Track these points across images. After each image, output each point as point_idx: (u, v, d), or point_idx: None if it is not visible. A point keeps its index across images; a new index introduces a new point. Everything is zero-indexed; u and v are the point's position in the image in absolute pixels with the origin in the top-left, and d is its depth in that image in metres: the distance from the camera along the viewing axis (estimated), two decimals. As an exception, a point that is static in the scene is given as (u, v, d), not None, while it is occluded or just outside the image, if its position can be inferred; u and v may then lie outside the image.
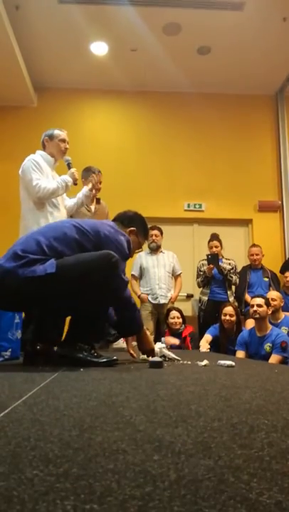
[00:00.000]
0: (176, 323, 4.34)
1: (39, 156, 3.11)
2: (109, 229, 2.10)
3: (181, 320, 4.38)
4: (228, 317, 4.19)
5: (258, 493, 0.44)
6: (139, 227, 2.34)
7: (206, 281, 4.92)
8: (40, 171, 3.00)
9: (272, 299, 4.08)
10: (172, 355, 2.39)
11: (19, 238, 2.09)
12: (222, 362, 2.13)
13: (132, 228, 2.31)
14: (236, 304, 4.64)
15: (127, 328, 2.28)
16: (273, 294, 4.30)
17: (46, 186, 2.94)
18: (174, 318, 4.35)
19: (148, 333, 2.35)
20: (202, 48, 5.42)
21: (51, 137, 3.18)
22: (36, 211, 2.98)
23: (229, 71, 5.83)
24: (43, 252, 1.91)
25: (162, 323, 4.72)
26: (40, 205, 3.00)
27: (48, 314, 2.19)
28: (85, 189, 3.42)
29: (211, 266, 4.77)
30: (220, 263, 4.87)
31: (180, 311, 4.43)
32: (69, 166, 3.20)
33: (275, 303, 4.12)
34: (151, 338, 2.46)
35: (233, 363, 2.10)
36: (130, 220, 2.34)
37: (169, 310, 4.45)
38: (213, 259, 4.79)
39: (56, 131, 3.21)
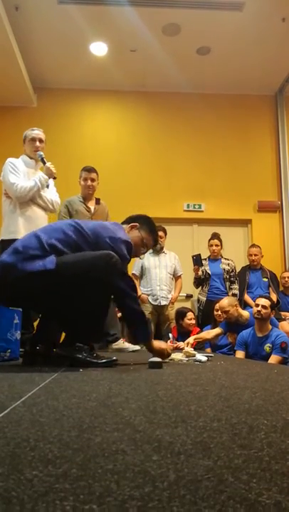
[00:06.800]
0: (192, 324, 4.43)
1: (19, 159, 3.21)
2: (110, 234, 2.06)
3: (194, 321, 4.48)
4: (219, 312, 4.27)
5: (258, 493, 0.44)
6: (142, 223, 2.30)
7: (197, 282, 4.95)
8: (17, 172, 3.09)
9: (263, 306, 3.77)
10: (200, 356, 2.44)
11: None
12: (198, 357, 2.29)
13: (134, 224, 2.29)
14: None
15: (140, 335, 2.18)
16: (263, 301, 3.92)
17: (23, 185, 3.03)
18: (190, 319, 4.43)
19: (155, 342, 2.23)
20: (202, 48, 5.43)
21: (24, 140, 3.29)
22: (14, 213, 3.08)
23: (229, 71, 5.83)
24: (43, 249, 1.92)
25: (162, 324, 4.72)
26: (20, 206, 3.08)
27: (48, 315, 2.18)
28: (43, 176, 3.21)
29: (196, 267, 4.82)
30: (219, 263, 4.90)
31: (193, 312, 4.52)
32: (43, 161, 3.20)
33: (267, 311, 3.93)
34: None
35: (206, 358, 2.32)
36: (134, 218, 2.34)
37: (185, 311, 4.49)
38: (197, 260, 4.82)
39: (26, 133, 3.29)
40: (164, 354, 2.15)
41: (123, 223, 2.33)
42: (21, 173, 3.12)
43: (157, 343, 2.20)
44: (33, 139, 3.23)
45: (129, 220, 2.33)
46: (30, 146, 3.23)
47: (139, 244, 2.27)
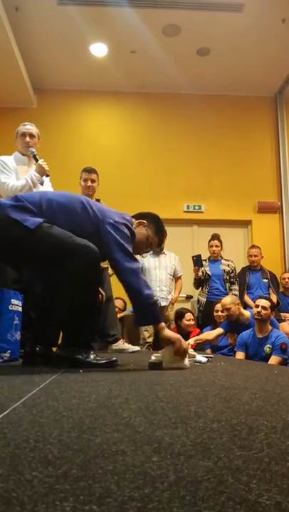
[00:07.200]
0: (190, 325, 4.41)
1: (11, 157, 3.14)
2: (116, 218, 2.04)
3: (194, 322, 4.47)
4: (219, 313, 4.31)
5: (258, 494, 0.44)
6: (150, 222, 2.24)
7: (197, 283, 4.95)
8: (8, 170, 3.04)
9: (263, 307, 3.78)
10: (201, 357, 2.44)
11: None
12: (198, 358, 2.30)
13: (142, 221, 2.22)
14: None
15: (139, 317, 2.02)
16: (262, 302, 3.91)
17: (14, 184, 2.98)
18: (189, 320, 4.42)
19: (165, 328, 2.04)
20: (201, 49, 5.43)
21: (16, 136, 3.22)
22: None
23: (228, 72, 5.84)
24: (39, 208, 1.94)
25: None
26: None
27: (44, 312, 2.16)
28: (35, 175, 3.15)
29: (196, 268, 4.82)
30: (219, 264, 4.90)
31: (192, 313, 4.50)
32: (35, 158, 3.13)
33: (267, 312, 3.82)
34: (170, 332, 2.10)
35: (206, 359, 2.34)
36: (143, 215, 2.28)
37: (184, 312, 4.48)
38: (198, 260, 4.82)
39: (19, 128, 3.21)
40: (176, 347, 1.92)
41: (132, 217, 2.26)
42: (12, 171, 3.06)
43: (170, 333, 2.02)
44: (24, 134, 3.15)
45: (138, 216, 2.27)
46: (21, 142, 3.15)
47: (143, 241, 2.21)
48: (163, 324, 2.00)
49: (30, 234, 1.83)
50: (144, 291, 1.95)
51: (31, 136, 3.17)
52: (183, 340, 1.97)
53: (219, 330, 4.08)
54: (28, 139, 3.15)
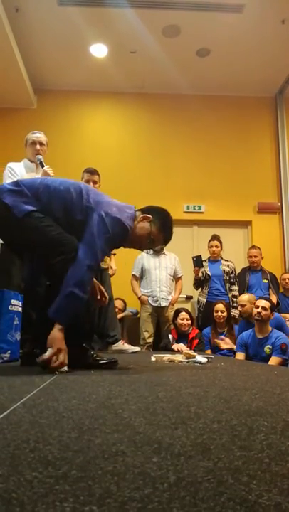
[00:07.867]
0: (184, 324, 4.34)
1: (20, 163, 3.26)
2: (109, 211, 1.95)
3: (190, 322, 4.40)
4: (219, 313, 4.34)
5: (258, 494, 0.44)
6: (155, 218, 2.12)
7: (197, 283, 4.95)
8: (14, 176, 3.11)
9: (263, 308, 3.74)
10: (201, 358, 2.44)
11: None
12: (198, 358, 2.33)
13: (147, 215, 2.11)
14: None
15: (58, 308, 1.79)
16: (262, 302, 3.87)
17: None
18: (183, 319, 4.35)
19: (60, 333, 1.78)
20: (201, 50, 5.43)
21: (25, 144, 3.33)
22: None
23: (228, 73, 5.84)
24: (35, 194, 1.94)
25: (162, 325, 4.72)
26: None
27: (44, 313, 2.15)
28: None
29: (196, 268, 4.82)
30: (219, 265, 4.90)
31: (189, 313, 4.45)
32: (42, 165, 3.22)
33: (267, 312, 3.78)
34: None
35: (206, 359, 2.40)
36: (150, 209, 2.16)
37: (179, 311, 4.44)
38: (198, 261, 4.82)
39: (27, 136, 3.33)
40: (50, 354, 1.71)
41: (140, 210, 2.17)
42: (18, 177, 3.11)
43: (59, 336, 1.76)
44: (34, 143, 3.26)
45: (145, 210, 2.16)
46: (31, 150, 3.26)
47: (144, 236, 2.10)
48: (62, 328, 1.78)
49: (17, 222, 1.85)
50: (80, 291, 1.81)
51: (41, 144, 3.28)
52: (62, 354, 1.73)
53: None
54: (38, 146, 3.26)
